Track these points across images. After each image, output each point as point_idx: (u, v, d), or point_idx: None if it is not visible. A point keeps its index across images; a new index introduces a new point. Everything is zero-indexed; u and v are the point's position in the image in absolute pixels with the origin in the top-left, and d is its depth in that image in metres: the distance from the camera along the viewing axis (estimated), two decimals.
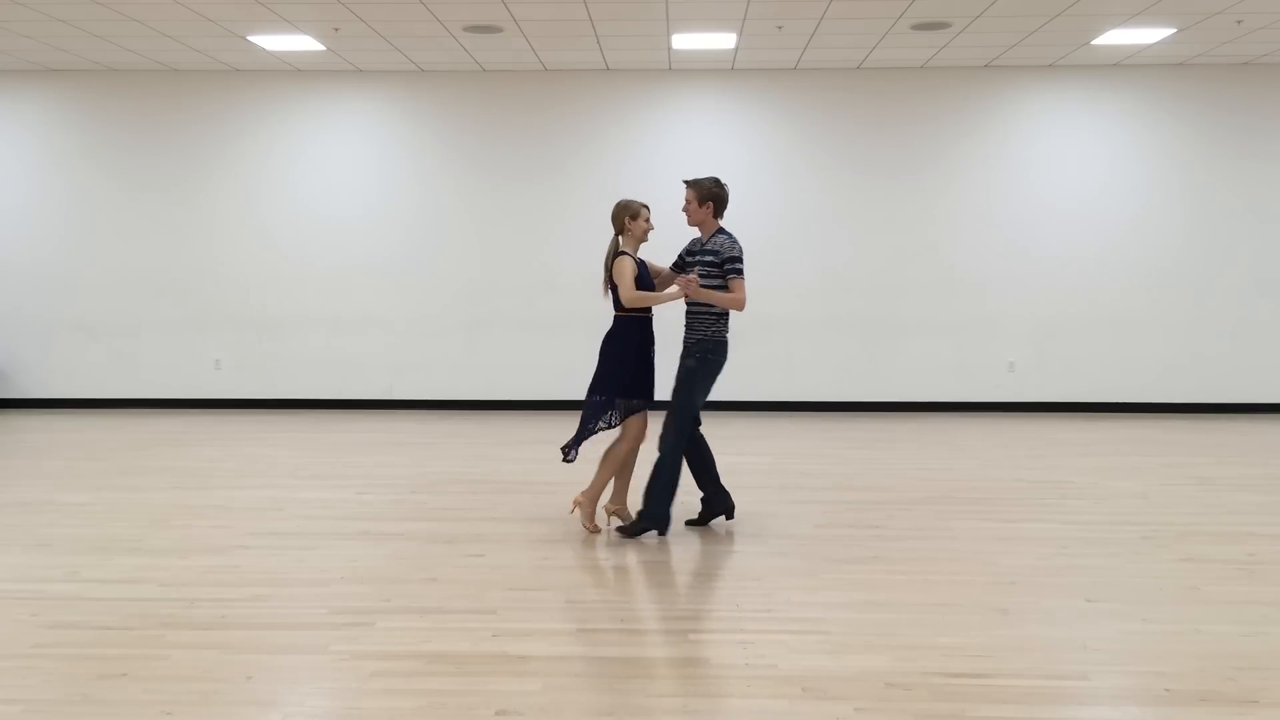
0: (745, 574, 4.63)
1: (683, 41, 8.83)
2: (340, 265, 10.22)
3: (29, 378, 10.38)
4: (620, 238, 5.22)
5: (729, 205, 5.28)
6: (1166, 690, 3.28)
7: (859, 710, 3.12)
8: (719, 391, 5.38)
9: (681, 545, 5.09)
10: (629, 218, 5.18)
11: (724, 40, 8.79)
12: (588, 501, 5.30)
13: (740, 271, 5.12)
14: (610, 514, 5.38)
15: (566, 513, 5.56)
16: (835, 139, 10.05)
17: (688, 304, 5.24)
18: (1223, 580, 4.47)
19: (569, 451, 5.29)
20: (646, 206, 5.25)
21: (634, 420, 5.24)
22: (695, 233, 5.39)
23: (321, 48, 9.06)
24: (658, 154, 10.01)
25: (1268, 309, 9.96)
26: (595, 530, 5.30)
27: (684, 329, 5.31)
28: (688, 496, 5.48)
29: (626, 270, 5.08)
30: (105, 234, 10.25)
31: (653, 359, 5.25)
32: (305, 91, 10.15)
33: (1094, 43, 8.90)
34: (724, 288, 5.12)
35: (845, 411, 10.10)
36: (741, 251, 5.14)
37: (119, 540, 5.12)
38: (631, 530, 5.25)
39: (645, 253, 5.36)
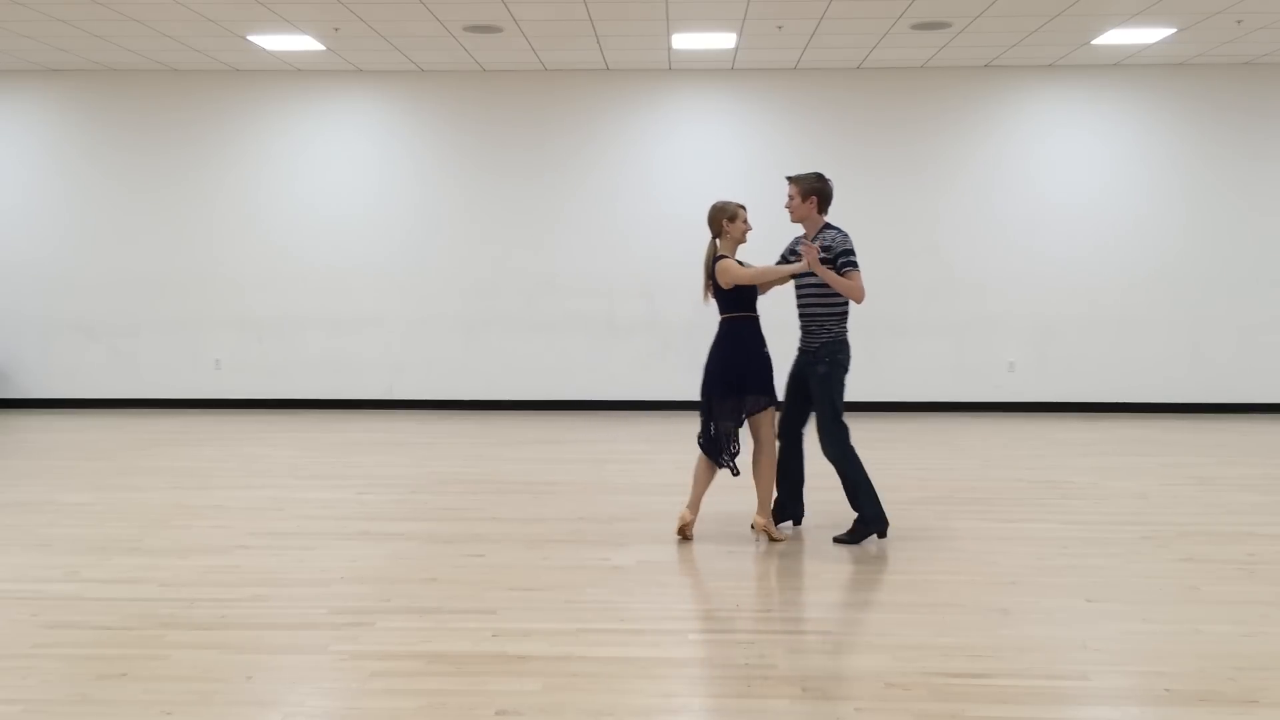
0: (745, 574, 4.63)
1: (683, 41, 8.83)
2: (340, 265, 10.22)
3: (29, 378, 10.38)
4: (718, 241, 5.10)
5: (832, 201, 5.15)
6: (1166, 690, 3.28)
7: (859, 710, 3.12)
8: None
9: (681, 545, 5.08)
10: (727, 219, 5.06)
11: (724, 40, 8.79)
12: (763, 519, 5.10)
13: (856, 264, 4.98)
14: (686, 523, 5.15)
15: (755, 543, 5.14)
16: (835, 139, 10.04)
17: (804, 306, 5.13)
18: (1223, 580, 4.47)
19: (730, 464, 5.08)
20: (743, 207, 5.13)
21: (762, 423, 5.06)
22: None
23: (321, 48, 9.05)
24: (658, 154, 10.01)
25: (1268, 309, 9.96)
26: (782, 538, 5.12)
27: (801, 334, 5.19)
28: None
29: (733, 267, 4.97)
30: (105, 234, 10.25)
31: (768, 356, 5.09)
32: (305, 91, 10.15)
33: (1094, 43, 8.90)
34: (825, 289, 5.01)
35: (845, 411, 10.09)
36: (853, 244, 5.04)
37: (119, 540, 5.12)
38: (852, 537, 5.09)
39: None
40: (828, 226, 5.13)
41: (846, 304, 5.12)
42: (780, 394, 5.17)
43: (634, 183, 10.06)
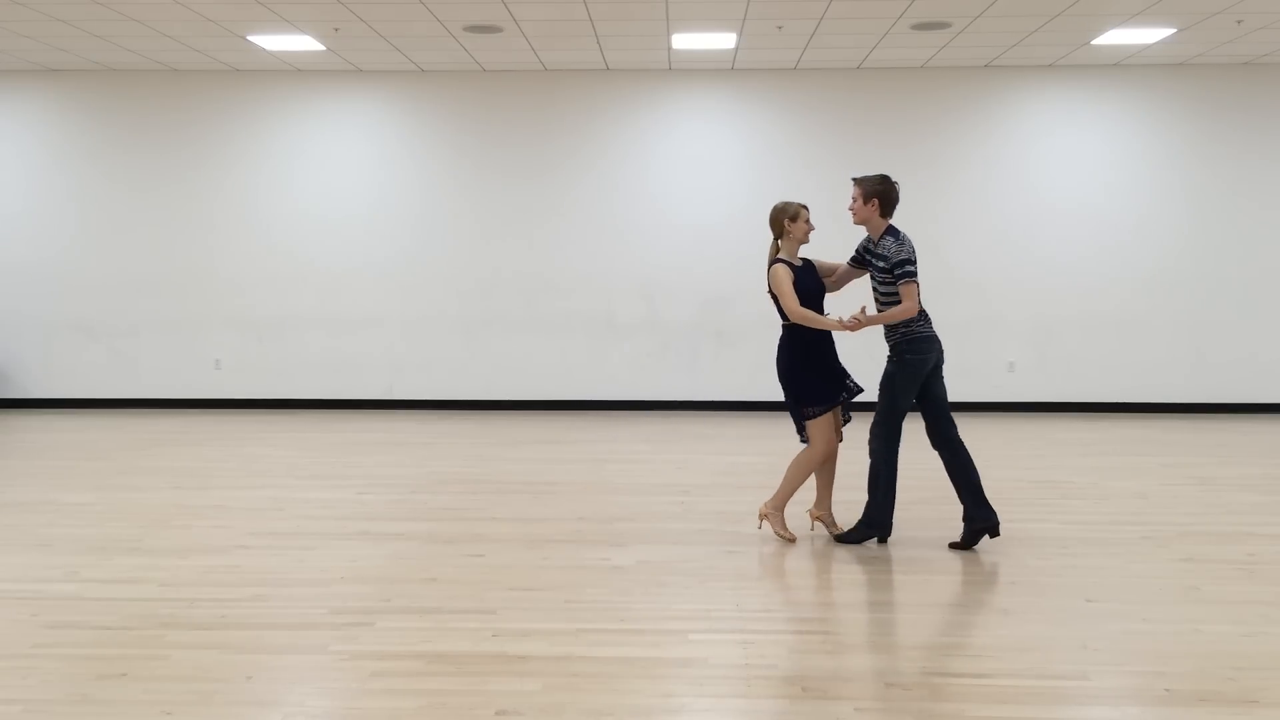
0: (745, 574, 4.63)
1: (683, 41, 8.83)
2: (340, 265, 10.22)
3: (29, 378, 10.38)
4: (779, 242, 5.06)
5: (898, 204, 5.08)
6: (1166, 690, 3.28)
7: (859, 710, 3.12)
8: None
9: (681, 545, 5.08)
10: (788, 220, 5.01)
11: (724, 40, 8.78)
12: (774, 510, 5.13)
13: (912, 275, 4.88)
14: (815, 519, 5.21)
15: (755, 527, 5.30)
16: (835, 139, 10.04)
17: (880, 306, 5.09)
18: (1223, 580, 4.47)
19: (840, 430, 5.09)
20: (805, 207, 5.07)
21: (821, 426, 5.04)
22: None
23: (321, 48, 9.05)
24: (658, 154, 10.01)
25: (1268, 309, 9.95)
26: (792, 539, 5.11)
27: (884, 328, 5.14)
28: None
29: (784, 280, 4.91)
30: (105, 234, 10.25)
31: (835, 358, 5.07)
32: (305, 91, 10.15)
33: (1094, 43, 8.90)
34: (896, 295, 4.95)
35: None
36: (913, 251, 4.94)
37: (119, 540, 5.12)
38: (852, 536, 5.10)
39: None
40: (889, 232, 5.02)
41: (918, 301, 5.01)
42: (840, 395, 5.10)
43: (634, 183, 10.05)
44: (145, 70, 10.06)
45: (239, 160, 10.21)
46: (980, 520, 4.97)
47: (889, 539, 5.15)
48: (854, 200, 5.06)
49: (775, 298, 5.01)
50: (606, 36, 8.64)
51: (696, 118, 10.08)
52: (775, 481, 6.62)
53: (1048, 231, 10.01)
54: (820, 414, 5.01)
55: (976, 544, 5.01)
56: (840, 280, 5.25)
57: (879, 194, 5.01)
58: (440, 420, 9.59)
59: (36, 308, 10.30)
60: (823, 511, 5.20)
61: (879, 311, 5.09)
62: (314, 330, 10.27)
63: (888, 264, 4.93)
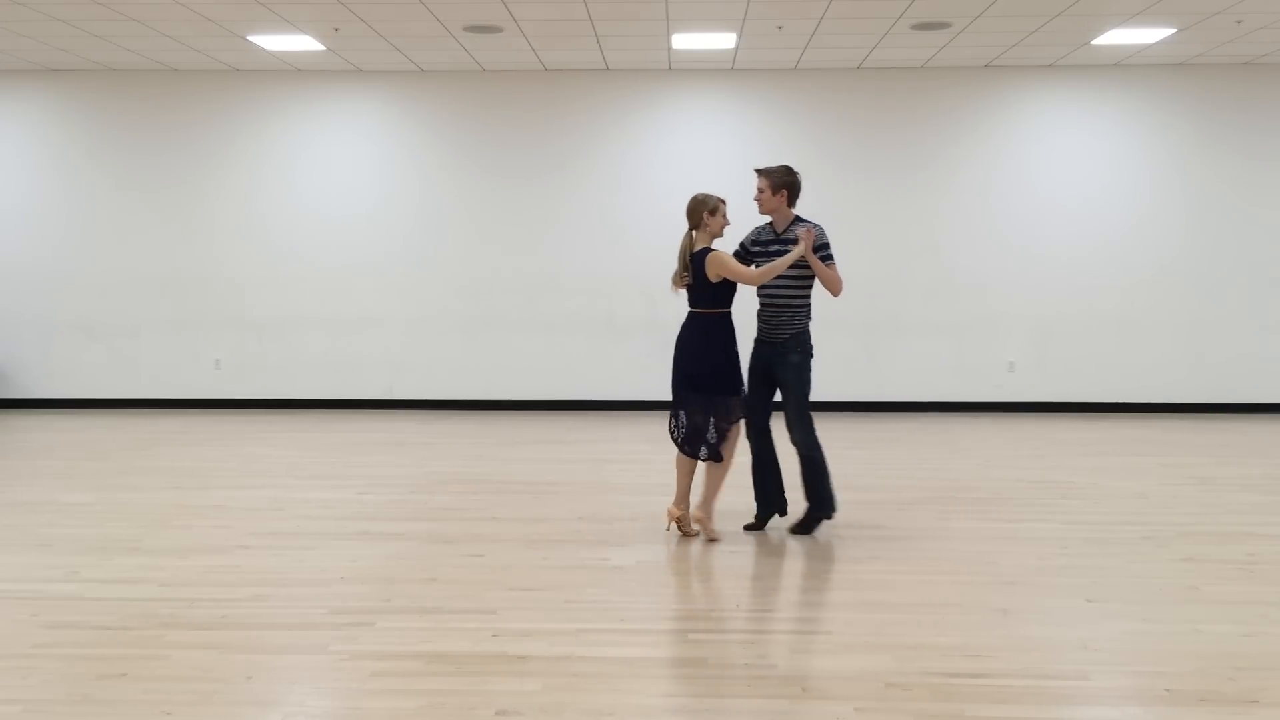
0: (745, 574, 4.63)
1: (683, 41, 8.83)
2: (340, 265, 10.22)
3: (29, 378, 10.38)
4: (695, 233, 5.11)
5: (800, 193, 5.22)
6: (1166, 690, 3.28)
7: (859, 710, 3.12)
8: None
9: (681, 545, 5.08)
10: (707, 212, 5.07)
11: (724, 40, 8.78)
12: (705, 515, 5.14)
13: (834, 257, 5.13)
14: (674, 520, 5.20)
15: (692, 533, 5.24)
16: (835, 139, 10.05)
17: (773, 298, 5.17)
18: (1223, 580, 4.47)
19: (717, 449, 5.10)
20: (724, 201, 5.14)
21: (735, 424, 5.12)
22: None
23: (321, 48, 9.05)
24: (658, 154, 10.01)
25: (1268, 309, 9.95)
26: (718, 538, 5.13)
27: (763, 326, 5.23)
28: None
29: (732, 261, 5.00)
30: (105, 234, 10.25)
31: (738, 355, 5.15)
32: (305, 91, 10.15)
33: (1094, 43, 8.90)
34: (802, 282, 5.12)
35: (845, 411, 10.10)
36: (829, 238, 5.14)
37: (119, 540, 5.12)
38: (805, 526, 5.22)
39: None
40: (799, 220, 5.20)
41: (809, 297, 5.21)
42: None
43: (634, 183, 10.06)
44: (145, 70, 10.06)
45: (239, 160, 10.20)
46: (777, 505, 5.32)
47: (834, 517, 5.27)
48: (761, 191, 5.18)
49: (697, 287, 5.08)
50: (606, 36, 8.64)
51: (696, 118, 10.08)
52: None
53: (1048, 231, 10.01)
54: (736, 405, 5.10)
55: (767, 525, 5.34)
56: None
57: (787, 185, 5.18)
58: (440, 420, 9.59)
59: (36, 308, 10.30)
60: (682, 511, 5.20)
61: (769, 296, 5.20)
62: (314, 330, 10.27)
63: (812, 244, 5.06)
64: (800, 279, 5.12)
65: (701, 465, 5.17)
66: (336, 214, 10.20)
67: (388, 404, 10.32)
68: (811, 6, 7.74)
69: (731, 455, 5.13)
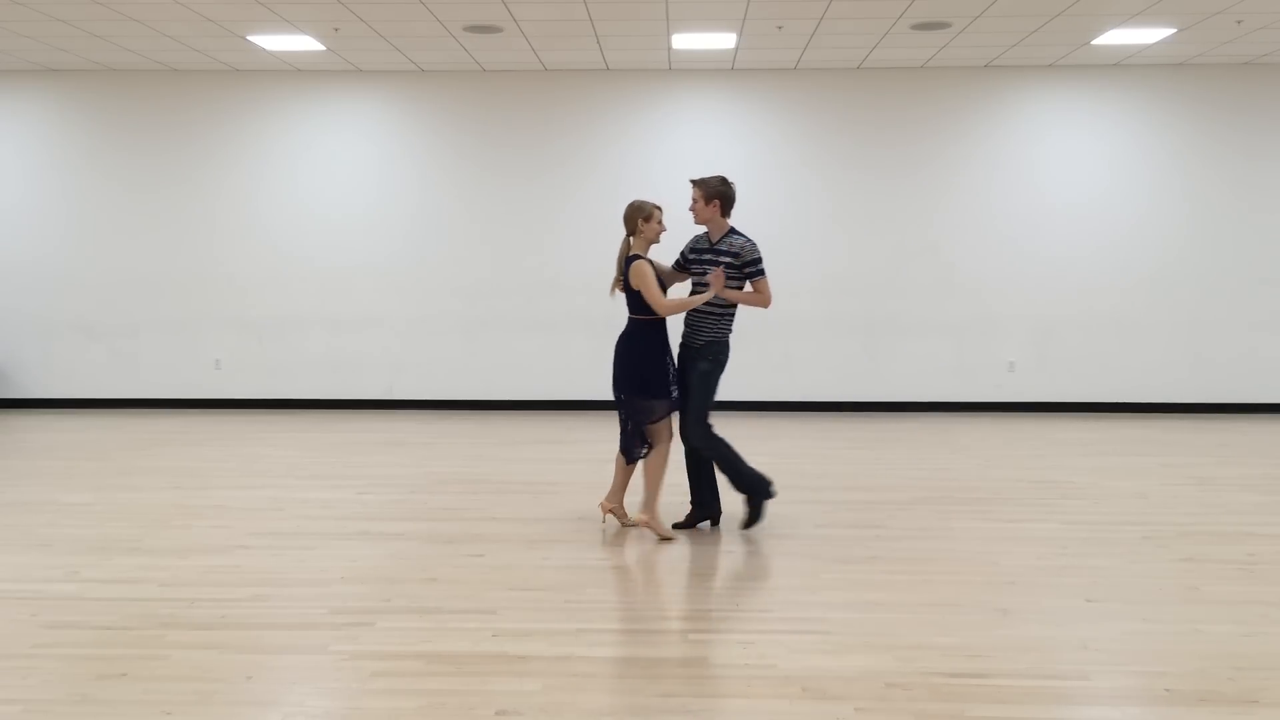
0: (745, 574, 4.63)
1: (683, 41, 8.83)
2: (340, 265, 10.22)
3: (29, 378, 10.38)
4: (632, 239, 5.18)
5: (735, 203, 5.27)
6: (1166, 690, 3.28)
7: (859, 710, 3.12)
8: (720, 391, 5.38)
9: (681, 545, 5.09)
10: (642, 219, 5.13)
11: (724, 40, 8.78)
12: (650, 516, 5.20)
13: (764, 272, 5.15)
14: (606, 512, 5.37)
15: (622, 528, 5.36)
16: (835, 139, 10.05)
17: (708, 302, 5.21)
18: (1223, 580, 4.47)
19: (641, 451, 5.21)
20: (659, 208, 5.20)
21: (662, 426, 5.21)
22: (688, 230, 5.40)
23: (321, 48, 9.05)
24: (658, 154, 10.01)
25: (1268, 309, 9.96)
26: (671, 537, 5.19)
27: (686, 330, 5.30)
28: (674, 498, 5.47)
29: (649, 276, 5.04)
30: (105, 234, 10.25)
31: (673, 361, 5.25)
32: (305, 91, 10.15)
33: (1094, 43, 8.90)
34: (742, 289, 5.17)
35: (845, 411, 10.10)
36: (760, 252, 5.16)
37: (119, 540, 5.12)
38: (751, 518, 5.27)
39: (653, 252, 5.35)
40: (734, 232, 5.21)
41: (734, 307, 5.23)
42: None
43: (634, 183, 10.03)
44: (145, 70, 10.06)
45: (239, 160, 10.21)
46: (709, 510, 5.38)
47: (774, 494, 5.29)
48: (695, 201, 5.21)
49: (629, 292, 5.15)
50: (606, 36, 8.64)
51: (696, 118, 10.08)
52: (775, 480, 6.62)
53: (1048, 231, 10.01)
54: (669, 410, 5.17)
55: (695, 526, 5.38)
56: (668, 280, 5.35)
57: (720, 195, 5.19)
58: (440, 420, 9.59)
59: (36, 308, 10.30)
60: (615, 504, 5.33)
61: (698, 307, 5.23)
62: (314, 330, 10.27)
63: (738, 261, 5.10)
64: (729, 287, 5.15)
65: (648, 464, 5.23)
66: (336, 214, 10.20)
67: (387, 404, 10.32)
68: (811, 6, 7.74)
69: (664, 457, 5.20)
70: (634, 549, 5.00)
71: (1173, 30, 8.46)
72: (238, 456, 7.58)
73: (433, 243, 10.21)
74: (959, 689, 3.28)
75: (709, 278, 5.08)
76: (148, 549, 4.96)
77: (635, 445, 5.22)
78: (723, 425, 5.31)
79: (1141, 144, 9.96)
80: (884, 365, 10.12)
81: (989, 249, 10.05)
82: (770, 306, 5.23)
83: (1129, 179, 9.98)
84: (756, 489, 5.28)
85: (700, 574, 4.66)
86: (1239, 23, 8.20)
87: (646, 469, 5.22)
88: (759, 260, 5.13)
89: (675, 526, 5.39)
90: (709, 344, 5.21)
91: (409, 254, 10.21)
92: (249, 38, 8.70)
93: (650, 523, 5.19)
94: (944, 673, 3.41)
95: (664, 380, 5.17)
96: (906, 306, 10.08)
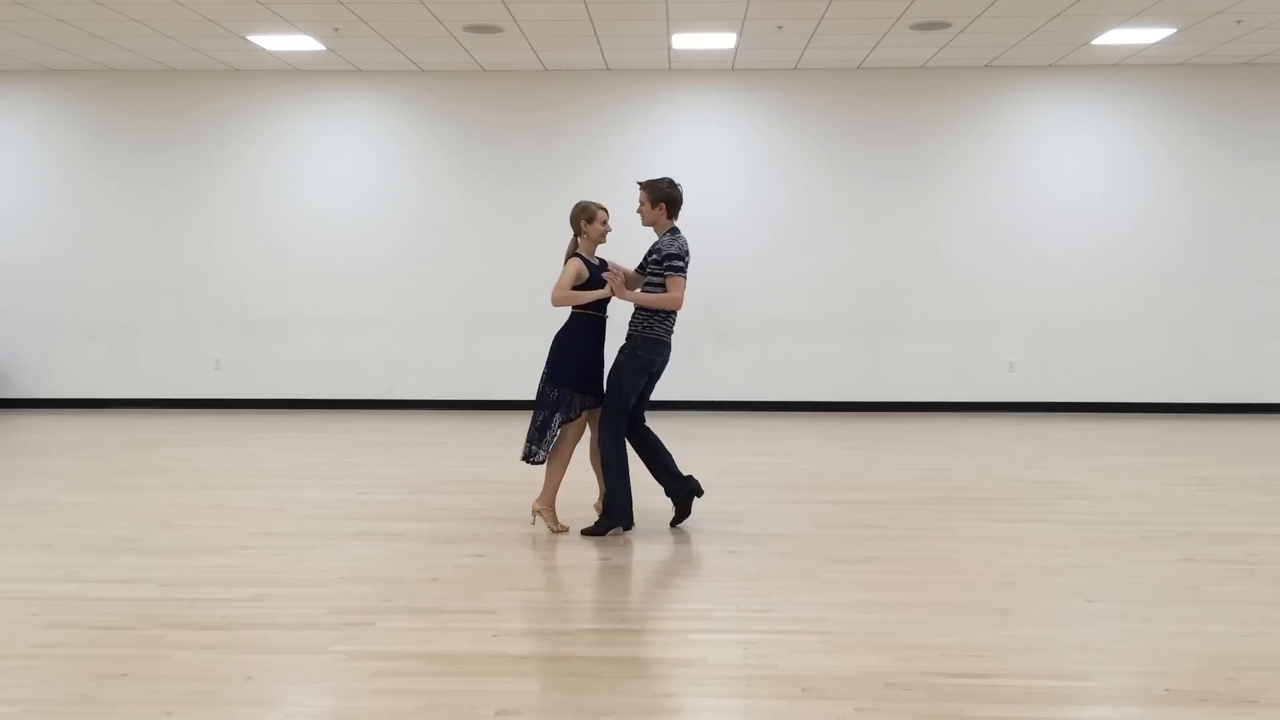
0: (745, 574, 4.63)
1: (683, 41, 8.83)
2: (340, 265, 10.22)
3: (29, 378, 10.38)
4: (579, 239, 5.24)
5: (682, 206, 5.27)
6: (1166, 690, 3.28)
7: (859, 710, 3.12)
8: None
9: (681, 545, 5.08)
10: (585, 220, 5.20)
11: (724, 40, 8.79)
12: (545, 506, 5.29)
13: (678, 269, 5.07)
14: (536, 513, 5.33)
15: (528, 522, 5.47)
16: (835, 139, 10.05)
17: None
18: (1223, 580, 4.47)
19: (536, 454, 5.20)
20: (604, 209, 5.26)
21: (594, 420, 5.27)
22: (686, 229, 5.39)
23: (321, 48, 9.06)
24: (658, 154, 10.00)
25: (1268, 308, 9.96)
26: (563, 529, 5.29)
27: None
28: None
29: (566, 274, 5.14)
30: (105, 234, 10.25)
31: (604, 358, 5.29)
32: (305, 91, 10.15)
33: (1094, 43, 8.90)
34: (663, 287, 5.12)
35: (845, 411, 10.10)
36: (684, 249, 5.10)
37: (119, 540, 5.12)
38: (597, 529, 5.25)
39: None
40: (673, 231, 5.21)
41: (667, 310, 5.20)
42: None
43: (633, 183, 10.04)
44: (145, 70, 10.07)
45: (239, 160, 10.21)
46: (684, 489, 5.29)
47: (632, 529, 5.29)
48: (641, 204, 5.23)
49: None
50: (606, 36, 8.64)
51: (696, 118, 10.08)
52: (776, 480, 6.63)
53: (1047, 231, 10.01)
54: (590, 405, 5.19)
55: (690, 511, 5.35)
56: (631, 285, 5.34)
57: (666, 198, 5.21)
58: (440, 420, 9.59)
59: (36, 308, 10.30)
60: (545, 504, 5.31)
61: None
62: (314, 330, 10.28)
63: (659, 256, 5.10)
64: (652, 287, 5.15)
65: (553, 456, 5.24)
66: (336, 214, 10.20)
67: (388, 404, 10.32)
68: (811, 6, 7.74)
69: (566, 459, 5.23)
70: (634, 549, 5.00)
71: (1173, 30, 8.47)
72: (238, 456, 7.58)
73: (433, 243, 10.21)
74: (959, 689, 3.27)
75: (605, 275, 5.12)
76: (148, 549, 4.96)
77: (537, 444, 5.20)
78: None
79: (1141, 144, 9.96)
80: (884, 365, 10.12)
81: (989, 249, 10.05)
82: (680, 308, 5.14)
83: (1129, 179, 9.98)
84: (616, 514, 5.23)
85: (700, 574, 4.66)
86: (1239, 23, 8.21)
87: (550, 460, 5.20)
88: (675, 256, 5.05)
89: (673, 526, 5.39)
90: (629, 337, 5.21)
91: (409, 254, 10.21)
92: (249, 38, 8.70)
93: (544, 511, 5.27)
94: (944, 673, 3.41)
95: (592, 377, 5.21)
96: (906, 306, 10.08)
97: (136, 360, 10.34)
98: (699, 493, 5.35)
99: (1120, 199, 9.99)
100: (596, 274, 5.20)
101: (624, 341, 5.23)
